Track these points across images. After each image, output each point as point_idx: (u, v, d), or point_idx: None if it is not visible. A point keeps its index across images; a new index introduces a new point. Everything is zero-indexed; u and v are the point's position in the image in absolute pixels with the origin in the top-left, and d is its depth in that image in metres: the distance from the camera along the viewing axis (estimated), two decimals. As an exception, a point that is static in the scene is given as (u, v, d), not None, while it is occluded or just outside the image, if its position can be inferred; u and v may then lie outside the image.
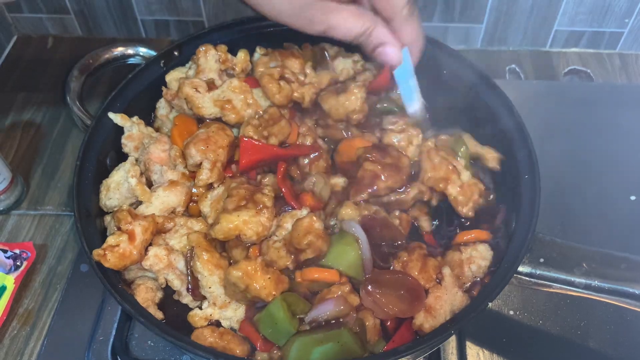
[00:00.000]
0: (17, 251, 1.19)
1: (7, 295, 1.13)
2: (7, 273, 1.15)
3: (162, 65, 1.15)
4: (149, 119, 1.15)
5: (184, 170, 1.03)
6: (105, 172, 1.03)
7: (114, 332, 1.07)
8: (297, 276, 0.95)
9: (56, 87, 1.56)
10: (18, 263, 1.17)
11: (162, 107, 1.14)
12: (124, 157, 1.07)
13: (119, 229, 0.93)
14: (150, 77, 1.14)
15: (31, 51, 1.68)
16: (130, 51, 1.20)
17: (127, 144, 1.07)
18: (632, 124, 1.43)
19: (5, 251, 1.17)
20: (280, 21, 0.91)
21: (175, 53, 1.16)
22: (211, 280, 0.92)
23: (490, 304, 0.89)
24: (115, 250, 0.90)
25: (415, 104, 1.07)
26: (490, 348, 1.08)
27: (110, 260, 0.90)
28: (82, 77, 1.23)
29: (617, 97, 1.53)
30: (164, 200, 1.00)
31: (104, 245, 0.91)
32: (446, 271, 0.95)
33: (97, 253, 0.89)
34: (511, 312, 1.12)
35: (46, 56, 1.66)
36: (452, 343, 1.06)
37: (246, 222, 0.92)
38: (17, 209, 1.31)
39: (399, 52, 0.95)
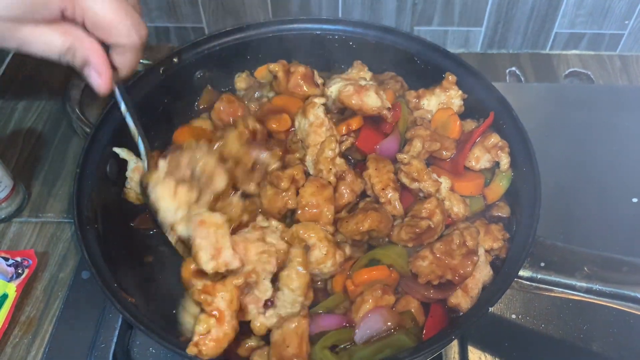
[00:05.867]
0: (19, 259, 1.19)
1: (8, 303, 1.13)
2: (8, 281, 1.15)
3: (161, 72, 1.15)
4: (148, 127, 1.15)
5: None
6: (106, 179, 1.03)
7: (115, 340, 1.07)
8: (349, 284, 0.96)
9: (57, 95, 1.56)
10: (20, 271, 1.17)
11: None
12: (123, 164, 1.07)
13: (202, 310, 0.85)
14: (150, 84, 1.14)
15: (32, 59, 1.66)
16: (129, 58, 1.20)
17: (134, 178, 1.05)
18: (633, 126, 1.43)
19: (6, 259, 1.17)
20: None
21: (175, 60, 1.16)
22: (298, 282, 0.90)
23: (491, 308, 0.89)
24: (209, 339, 0.82)
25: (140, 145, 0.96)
26: (492, 352, 1.07)
27: (207, 351, 0.82)
28: (82, 84, 1.23)
29: (618, 99, 1.52)
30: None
31: (195, 338, 0.82)
32: (481, 251, 0.96)
33: (191, 350, 0.81)
34: (513, 316, 1.12)
35: (47, 64, 1.65)
36: (454, 348, 1.06)
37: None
38: (18, 217, 1.31)
39: (105, 80, 0.81)
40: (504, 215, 1.05)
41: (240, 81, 1.20)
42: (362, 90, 1.04)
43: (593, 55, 1.66)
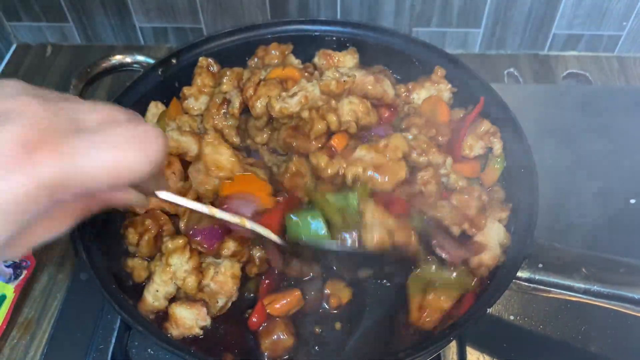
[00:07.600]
0: (17, 260, 1.19)
1: (7, 304, 1.13)
2: (6, 282, 1.15)
3: (160, 73, 1.15)
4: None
5: None
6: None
7: (113, 341, 1.06)
8: None
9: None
10: (18, 272, 1.17)
11: None
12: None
13: None
14: (149, 85, 1.14)
15: (30, 59, 1.69)
16: (128, 59, 1.20)
17: None
18: (631, 127, 1.43)
19: (4, 260, 1.17)
20: None
21: (173, 61, 1.16)
22: None
23: (490, 309, 0.89)
24: None
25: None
26: (490, 353, 1.07)
27: None
28: (81, 85, 1.23)
29: (615, 100, 1.52)
30: None
31: None
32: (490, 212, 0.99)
33: None
34: (511, 317, 1.12)
35: (45, 64, 1.67)
36: (452, 348, 1.06)
37: None
38: (16, 218, 1.30)
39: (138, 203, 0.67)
40: (501, 199, 1.07)
41: (227, 83, 1.17)
42: (381, 80, 1.09)
43: (591, 56, 1.66)
